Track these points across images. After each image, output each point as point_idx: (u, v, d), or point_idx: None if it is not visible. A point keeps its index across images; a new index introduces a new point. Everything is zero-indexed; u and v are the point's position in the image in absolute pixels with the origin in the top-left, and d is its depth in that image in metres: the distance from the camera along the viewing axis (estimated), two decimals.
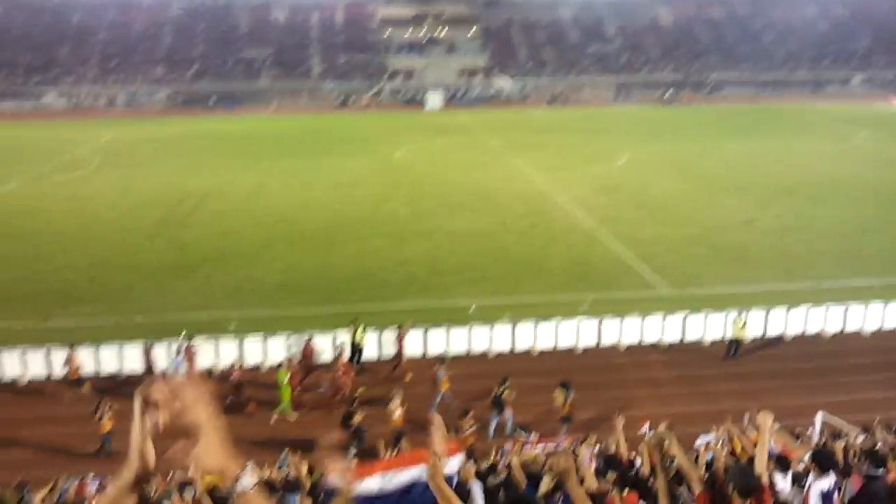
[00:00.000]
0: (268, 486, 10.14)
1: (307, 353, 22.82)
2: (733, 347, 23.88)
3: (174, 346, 22.40)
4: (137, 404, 2.60)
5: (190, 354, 22.20)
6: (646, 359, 23.86)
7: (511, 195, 42.42)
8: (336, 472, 6.81)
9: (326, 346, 23.17)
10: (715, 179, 46.39)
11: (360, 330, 23.20)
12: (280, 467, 14.01)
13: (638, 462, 10.85)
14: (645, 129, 65.41)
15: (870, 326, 25.73)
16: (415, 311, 25.99)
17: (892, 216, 38.06)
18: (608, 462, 10.14)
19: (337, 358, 22.07)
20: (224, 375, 21.92)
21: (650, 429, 14.65)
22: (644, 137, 60.80)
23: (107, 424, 18.50)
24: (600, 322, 24.07)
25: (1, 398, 21.84)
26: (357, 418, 17.90)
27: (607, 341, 24.56)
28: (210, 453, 2.44)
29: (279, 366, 21.39)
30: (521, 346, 23.69)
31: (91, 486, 14.61)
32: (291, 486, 10.12)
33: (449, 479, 6.61)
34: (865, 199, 41.34)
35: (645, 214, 38.56)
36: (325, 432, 7.85)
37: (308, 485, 10.09)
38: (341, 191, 43.73)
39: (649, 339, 24.68)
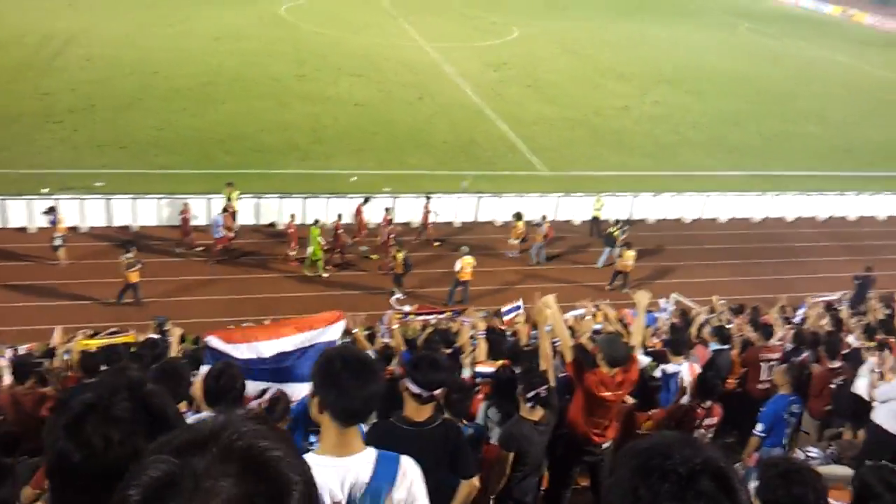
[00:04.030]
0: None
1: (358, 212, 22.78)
2: (596, 226, 25.15)
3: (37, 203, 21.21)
4: None
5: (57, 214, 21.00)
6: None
7: (399, 63, 41.44)
8: (215, 335, 6.84)
9: (201, 208, 22.61)
10: (600, 63, 46.95)
11: (234, 194, 22.54)
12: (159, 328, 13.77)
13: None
14: (539, 5, 64.49)
15: (726, 214, 27.58)
16: (294, 178, 25.59)
17: (761, 110, 40.09)
18: (490, 332, 10.66)
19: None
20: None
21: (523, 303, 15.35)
22: (537, 14, 60.12)
23: None
24: (427, 197, 24.23)
25: None
26: (400, 255, 20.10)
27: (484, 217, 25.19)
28: None
29: (315, 222, 21.32)
30: (400, 218, 23.82)
31: None
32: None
33: (331, 343, 6.76)
34: (739, 92, 43.19)
35: (530, 94, 38.80)
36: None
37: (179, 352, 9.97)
38: (221, 44, 41.19)
39: (525, 217, 25.46)
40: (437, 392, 4.29)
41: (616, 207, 26.31)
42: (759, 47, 57.58)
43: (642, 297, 7.10)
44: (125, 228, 22.57)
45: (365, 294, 20.80)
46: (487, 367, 7.81)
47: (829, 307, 16.32)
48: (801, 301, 17.06)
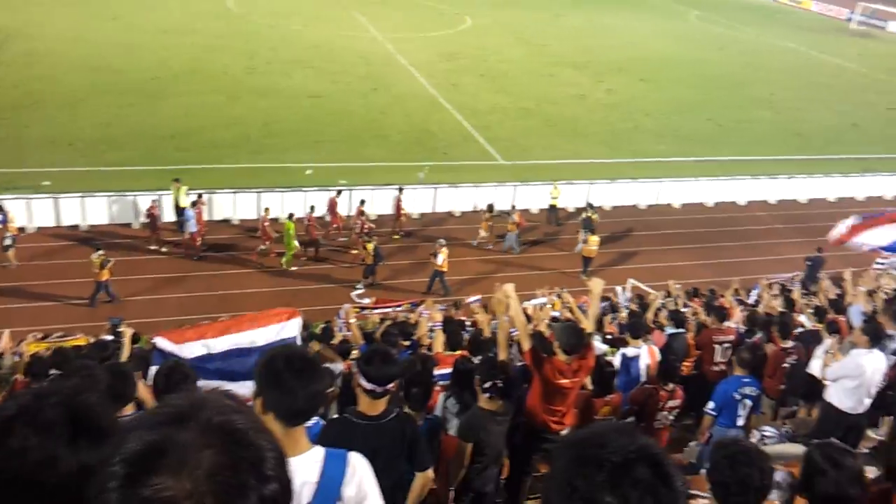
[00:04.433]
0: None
1: (332, 205, 22.67)
2: (553, 214, 25.29)
3: None
4: None
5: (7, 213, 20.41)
6: (476, 226, 24.68)
7: (352, 54, 41.07)
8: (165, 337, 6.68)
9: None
10: (552, 52, 47.12)
11: (182, 191, 22.06)
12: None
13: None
14: None
15: (680, 200, 27.93)
16: (247, 172, 25.22)
17: (712, 97, 40.64)
18: (447, 322, 10.61)
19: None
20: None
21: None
22: (489, 3, 60.06)
23: None
24: (435, 190, 24.38)
25: None
26: (371, 246, 20.30)
27: (442, 208, 25.14)
28: None
29: (290, 217, 21.18)
30: (370, 209, 23.59)
31: None
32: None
33: (293, 339, 6.67)
34: (690, 80, 43.75)
35: (484, 83, 38.78)
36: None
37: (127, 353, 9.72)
38: (169, 38, 40.28)
39: (482, 207, 25.48)
40: (391, 386, 4.22)
41: (572, 195, 26.50)
42: (709, 35, 58.37)
43: (596, 285, 7.11)
44: (75, 227, 22.05)
45: (339, 287, 20.79)
46: (445, 370, 7.74)
47: (782, 288, 16.60)
48: (754, 283, 17.35)
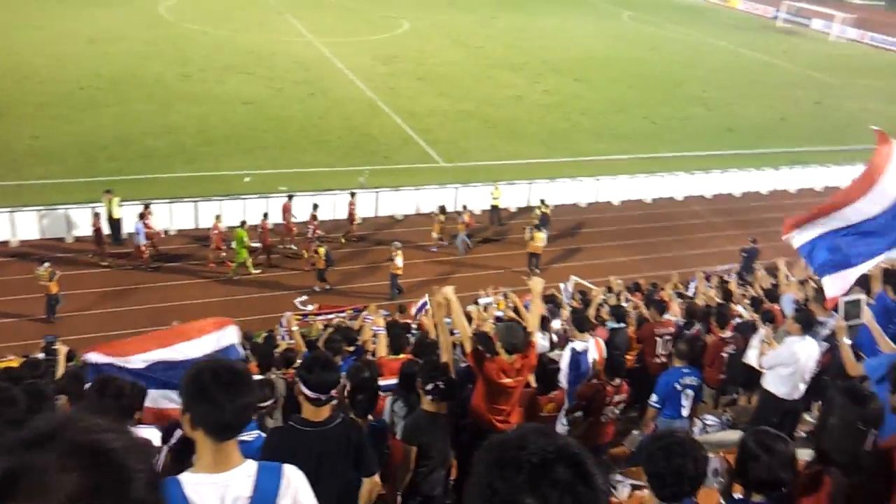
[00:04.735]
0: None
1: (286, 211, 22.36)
2: (496, 215, 25.42)
3: None
4: None
5: None
6: (420, 228, 24.67)
7: (288, 59, 40.62)
8: (97, 351, 6.45)
9: (85, 218, 21.59)
10: (489, 54, 47.41)
11: (114, 202, 21.48)
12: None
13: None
14: None
15: (619, 197, 28.36)
16: (183, 181, 24.71)
17: (645, 96, 41.39)
18: (390, 325, 10.52)
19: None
20: None
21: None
22: (425, 7, 60.23)
23: None
24: (377, 194, 24.29)
25: None
26: (322, 251, 20.21)
27: (384, 212, 25.03)
28: None
29: (241, 224, 20.83)
30: (302, 217, 23.32)
31: None
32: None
33: (232, 347, 6.52)
34: (625, 79, 44.51)
35: (423, 86, 38.78)
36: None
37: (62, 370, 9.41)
38: (98, 46, 39.24)
39: (425, 209, 25.51)
40: (334, 392, 4.17)
41: (514, 195, 26.69)
42: (641, 35, 59.51)
43: (536, 284, 7.13)
44: (5, 244, 21.28)
45: (290, 293, 20.59)
46: (390, 381, 7.67)
47: (720, 280, 16.96)
48: (692, 276, 17.69)
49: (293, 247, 22.63)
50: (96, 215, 20.91)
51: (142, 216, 20.98)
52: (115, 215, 21.40)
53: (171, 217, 22.79)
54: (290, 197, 22.78)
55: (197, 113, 31.15)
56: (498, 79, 41.69)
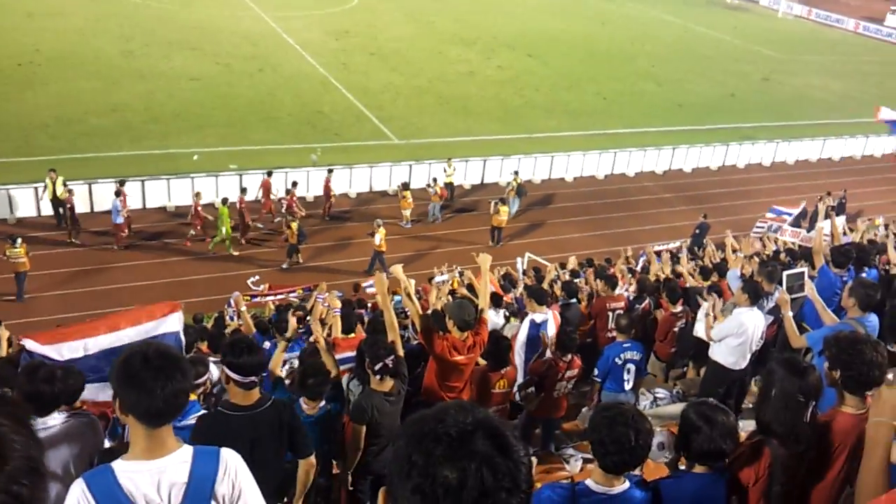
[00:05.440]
0: None
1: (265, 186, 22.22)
2: (450, 192, 25.38)
3: None
4: None
5: None
6: (374, 206, 24.52)
7: (236, 35, 39.75)
8: (32, 338, 6.24)
9: (28, 197, 21.00)
10: (441, 29, 47.07)
11: (57, 182, 20.75)
12: None
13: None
14: None
15: (572, 174, 28.52)
16: (129, 160, 24.11)
17: (596, 71, 41.59)
18: (343, 305, 10.43)
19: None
20: None
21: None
22: None
23: None
24: (329, 171, 24.01)
25: None
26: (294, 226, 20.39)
27: (339, 190, 24.76)
28: None
29: (224, 201, 20.62)
30: (250, 196, 22.97)
31: None
32: None
33: (174, 335, 6.37)
34: (577, 55, 44.65)
35: (375, 62, 38.36)
36: None
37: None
38: (36, 21, 37.82)
39: (378, 186, 25.34)
40: (262, 374, 4.12)
41: (467, 172, 26.65)
42: (593, 10, 59.65)
43: (484, 261, 7.15)
44: None
45: (275, 270, 20.56)
46: (347, 353, 7.61)
47: (671, 255, 17.19)
48: (642, 251, 17.91)
49: (260, 225, 22.49)
50: (69, 192, 20.50)
51: (118, 194, 20.47)
52: (60, 195, 20.74)
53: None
54: (270, 174, 22.63)
55: (142, 90, 30.33)
56: (450, 54, 41.44)
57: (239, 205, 21.30)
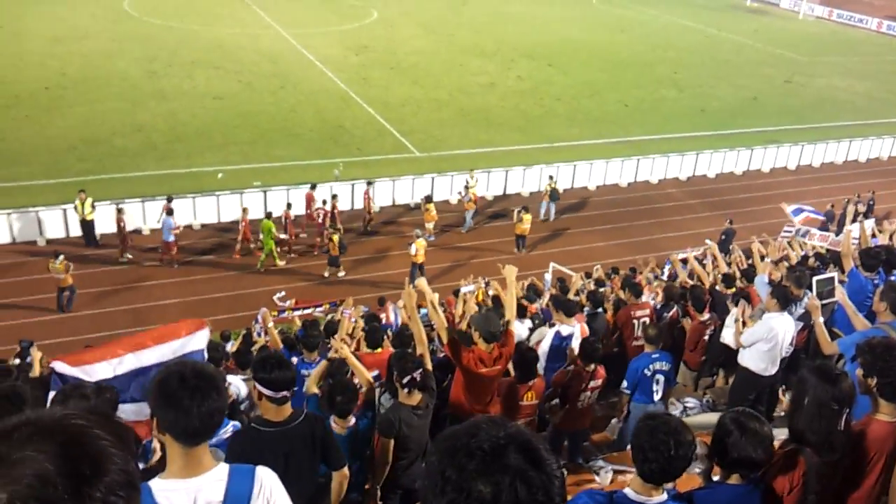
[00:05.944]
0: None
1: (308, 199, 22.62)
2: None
3: None
4: None
5: None
6: (399, 219, 24.60)
7: (257, 53, 40.20)
8: (60, 361, 6.32)
9: (57, 219, 21.32)
10: (460, 42, 47.22)
11: (86, 203, 21.02)
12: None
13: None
14: None
15: (595, 182, 28.42)
16: (155, 179, 24.41)
17: (617, 79, 41.47)
18: (370, 318, 10.46)
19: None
20: None
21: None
22: None
23: None
24: (353, 186, 24.16)
25: None
26: (336, 237, 20.70)
27: (361, 204, 24.87)
28: None
29: (268, 216, 21.12)
30: (277, 213, 23.13)
31: None
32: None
33: (199, 353, 6.41)
34: (597, 63, 44.56)
35: (395, 76, 38.57)
36: None
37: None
38: (62, 45, 38.54)
39: (401, 200, 25.43)
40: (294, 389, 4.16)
41: (490, 183, 26.66)
42: (612, 18, 59.60)
43: (510, 272, 7.11)
44: None
45: (311, 285, 20.79)
46: (374, 370, 7.63)
47: (698, 261, 17.03)
48: (667, 259, 17.78)
49: (304, 234, 22.97)
50: (119, 211, 20.95)
51: (170, 212, 20.85)
52: (88, 217, 21.08)
53: (144, 216, 22.50)
54: (314, 186, 22.93)
55: (166, 110, 30.76)
56: (470, 66, 41.56)
57: (284, 219, 21.67)
